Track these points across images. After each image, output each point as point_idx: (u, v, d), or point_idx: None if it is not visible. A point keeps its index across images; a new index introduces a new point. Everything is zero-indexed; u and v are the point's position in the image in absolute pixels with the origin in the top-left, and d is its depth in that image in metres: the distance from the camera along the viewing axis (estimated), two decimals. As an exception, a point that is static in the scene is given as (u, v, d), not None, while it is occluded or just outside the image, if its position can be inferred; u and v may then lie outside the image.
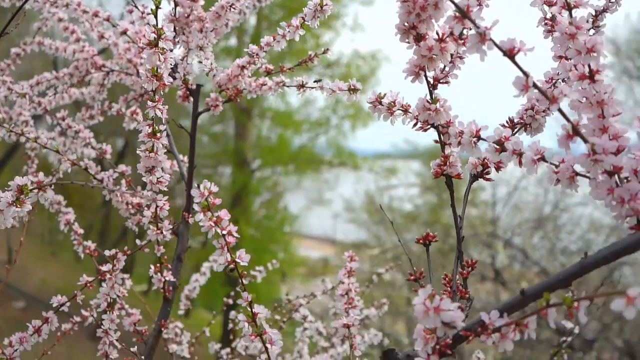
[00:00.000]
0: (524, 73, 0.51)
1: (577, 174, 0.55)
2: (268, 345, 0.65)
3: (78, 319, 1.10)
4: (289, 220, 11.80)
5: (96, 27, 1.13)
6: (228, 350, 1.38)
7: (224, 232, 0.62)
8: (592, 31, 0.72)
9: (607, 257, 0.49)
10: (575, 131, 0.51)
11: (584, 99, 0.54)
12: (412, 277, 0.59)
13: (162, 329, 0.99)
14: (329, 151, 12.32)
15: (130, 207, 1.03)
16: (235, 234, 0.63)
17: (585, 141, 0.51)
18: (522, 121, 0.69)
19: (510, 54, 0.51)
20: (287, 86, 0.98)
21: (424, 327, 0.54)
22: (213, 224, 0.62)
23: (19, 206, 0.68)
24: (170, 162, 1.15)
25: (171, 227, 0.91)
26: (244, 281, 0.64)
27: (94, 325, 1.06)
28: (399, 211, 9.86)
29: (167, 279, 0.97)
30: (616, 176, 0.53)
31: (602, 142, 0.50)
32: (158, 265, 0.96)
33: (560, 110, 0.51)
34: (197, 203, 0.61)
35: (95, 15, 1.10)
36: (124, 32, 1.04)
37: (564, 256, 6.49)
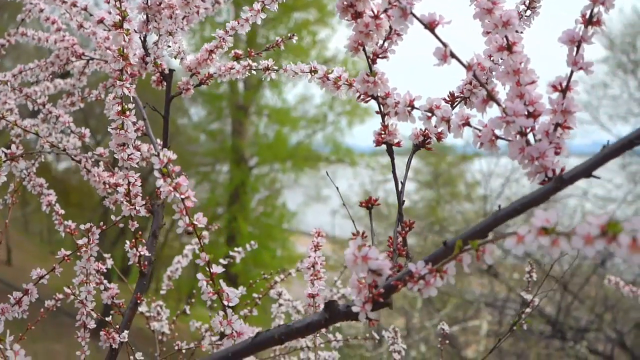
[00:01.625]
0: (443, 44, 0.56)
1: (497, 137, 0.60)
2: (225, 302, 0.70)
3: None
4: (287, 217, 11.85)
5: (75, 17, 1.18)
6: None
7: (183, 196, 0.68)
8: (528, 12, 0.77)
9: (517, 208, 0.55)
10: (490, 96, 0.57)
11: (502, 68, 0.59)
12: (354, 237, 0.65)
13: (138, 302, 1.04)
14: (326, 148, 12.37)
15: (107, 187, 1.08)
16: (194, 199, 0.68)
17: (499, 105, 0.56)
18: (462, 95, 0.74)
19: (430, 26, 0.56)
20: (255, 69, 1.03)
21: (357, 278, 0.59)
22: (172, 189, 0.67)
23: (-6, 178, 0.73)
24: (147, 146, 1.21)
25: (144, 203, 0.96)
26: (202, 242, 0.70)
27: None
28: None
29: (142, 253, 1.02)
30: (531, 137, 0.58)
31: (513, 105, 0.56)
32: (133, 240, 1.02)
33: (475, 77, 0.56)
34: (157, 169, 0.67)
35: (74, 5, 1.15)
36: (101, 21, 1.09)
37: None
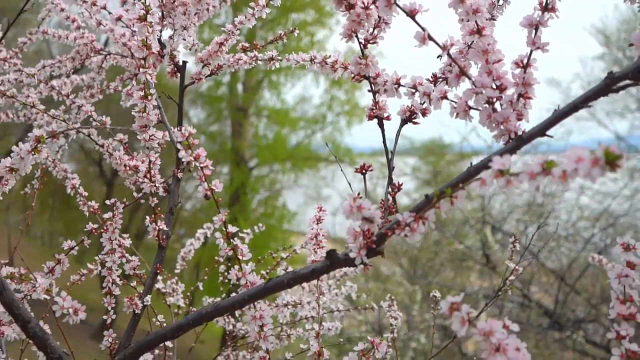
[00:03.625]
0: (422, 29, 0.67)
1: (470, 107, 0.71)
2: (240, 256, 0.81)
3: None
4: (288, 217, 11.95)
5: (94, 15, 1.29)
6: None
7: (202, 165, 0.79)
8: (501, 1, 0.88)
9: (486, 164, 0.65)
10: (462, 72, 0.68)
11: (473, 49, 0.70)
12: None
13: (158, 272, 1.15)
14: (325, 148, 12.47)
15: (127, 169, 1.19)
16: (211, 167, 0.79)
17: (470, 79, 0.67)
18: (443, 75, 0.85)
19: (411, 14, 0.67)
20: (260, 60, 1.14)
21: (353, 227, 0.70)
22: (193, 159, 0.78)
23: (36, 153, 0.84)
24: (162, 133, 1.32)
25: (163, 180, 1.07)
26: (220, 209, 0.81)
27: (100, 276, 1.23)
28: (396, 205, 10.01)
29: (161, 227, 1.13)
30: (498, 106, 0.69)
31: (482, 79, 0.67)
32: (153, 216, 1.12)
33: (449, 56, 0.67)
34: (179, 142, 0.78)
35: (94, 4, 1.26)
36: (119, 19, 1.20)
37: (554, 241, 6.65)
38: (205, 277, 1.60)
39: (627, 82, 0.61)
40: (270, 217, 11.91)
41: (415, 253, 7.94)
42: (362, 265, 0.72)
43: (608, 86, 0.61)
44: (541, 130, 0.63)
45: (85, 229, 1.09)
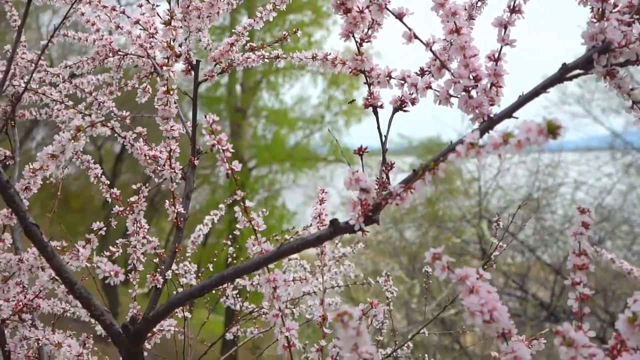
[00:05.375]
0: (409, 29, 0.80)
1: (450, 95, 0.83)
2: (256, 228, 0.94)
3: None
4: (287, 217, 12.07)
5: (114, 19, 1.41)
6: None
7: (224, 148, 0.91)
8: (479, 3, 1.00)
9: (456, 144, 0.78)
10: (443, 65, 0.80)
11: (452, 45, 0.83)
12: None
13: (176, 250, 1.28)
14: (324, 148, 12.60)
15: (147, 158, 1.31)
16: (231, 150, 0.91)
17: (449, 71, 0.80)
18: (428, 69, 0.97)
19: (400, 16, 0.80)
20: (267, 58, 1.27)
21: (353, 198, 0.82)
22: (216, 142, 0.91)
23: (76, 141, 0.96)
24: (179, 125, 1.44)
25: (182, 167, 1.20)
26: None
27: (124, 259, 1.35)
28: (394, 207, 10.14)
29: (179, 210, 1.26)
30: (474, 93, 0.82)
31: (459, 71, 0.79)
32: (172, 200, 1.25)
33: (432, 52, 0.80)
34: (204, 128, 0.90)
35: (113, 9, 1.38)
36: (137, 22, 1.33)
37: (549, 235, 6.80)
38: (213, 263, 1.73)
39: (579, 71, 0.74)
40: (270, 217, 12.03)
41: (415, 250, 8.08)
42: (360, 232, 0.85)
43: (562, 75, 0.74)
44: (508, 113, 0.76)
45: (113, 211, 1.22)
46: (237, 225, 0.97)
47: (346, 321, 0.63)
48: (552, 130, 0.57)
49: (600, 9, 0.73)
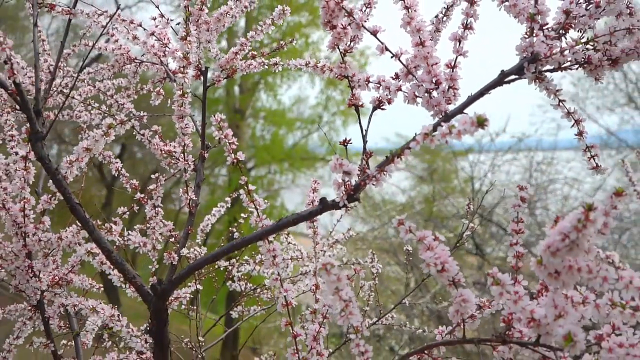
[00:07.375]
0: (381, 42, 0.99)
1: (416, 96, 1.03)
2: (257, 207, 1.13)
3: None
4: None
5: (131, 31, 1.60)
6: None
7: (230, 141, 1.10)
8: (444, 17, 1.20)
9: (434, 125, 0.97)
10: (409, 72, 1.00)
11: (417, 56, 1.02)
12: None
13: (189, 232, 1.47)
14: (322, 148, 12.79)
15: (162, 152, 1.50)
16: (236, 143, 1.11)
17: (414, 76, 1.00)
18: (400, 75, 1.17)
19: (374, 33, 0.99)
20: (267, 65, 1.46)
21: (337, 180, 1.02)
22: (223, 137, 1.10)
23: (107, 136, 1.16)
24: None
25: (194, 159, 1.39)
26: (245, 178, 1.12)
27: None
28: (393, 202, 10.37)
29: (191, 197, 1.45)
30: (435, 94, 1.01)
31: (422, 76, 0.99)
32: (185, 187, 1.44)
33: (400, 61, 0.99)
34: (213, 125, 1.09)
35: (131, 22, 1.57)
36: (152, 34, 1.52)
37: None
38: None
39: (514, 77, 0.93)
40: (269, 217, 12.14)
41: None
42: (344, 208, 1.04)
43: (501, 79, 0.93)
44: (459, 110, 0.95)
45: (135, 198, 1.41)
46: (242, 205, 1.16)
47: (329, 269, 0.82)
48: (480, 122, 0.76)
49: (530, 27, 0.92)
